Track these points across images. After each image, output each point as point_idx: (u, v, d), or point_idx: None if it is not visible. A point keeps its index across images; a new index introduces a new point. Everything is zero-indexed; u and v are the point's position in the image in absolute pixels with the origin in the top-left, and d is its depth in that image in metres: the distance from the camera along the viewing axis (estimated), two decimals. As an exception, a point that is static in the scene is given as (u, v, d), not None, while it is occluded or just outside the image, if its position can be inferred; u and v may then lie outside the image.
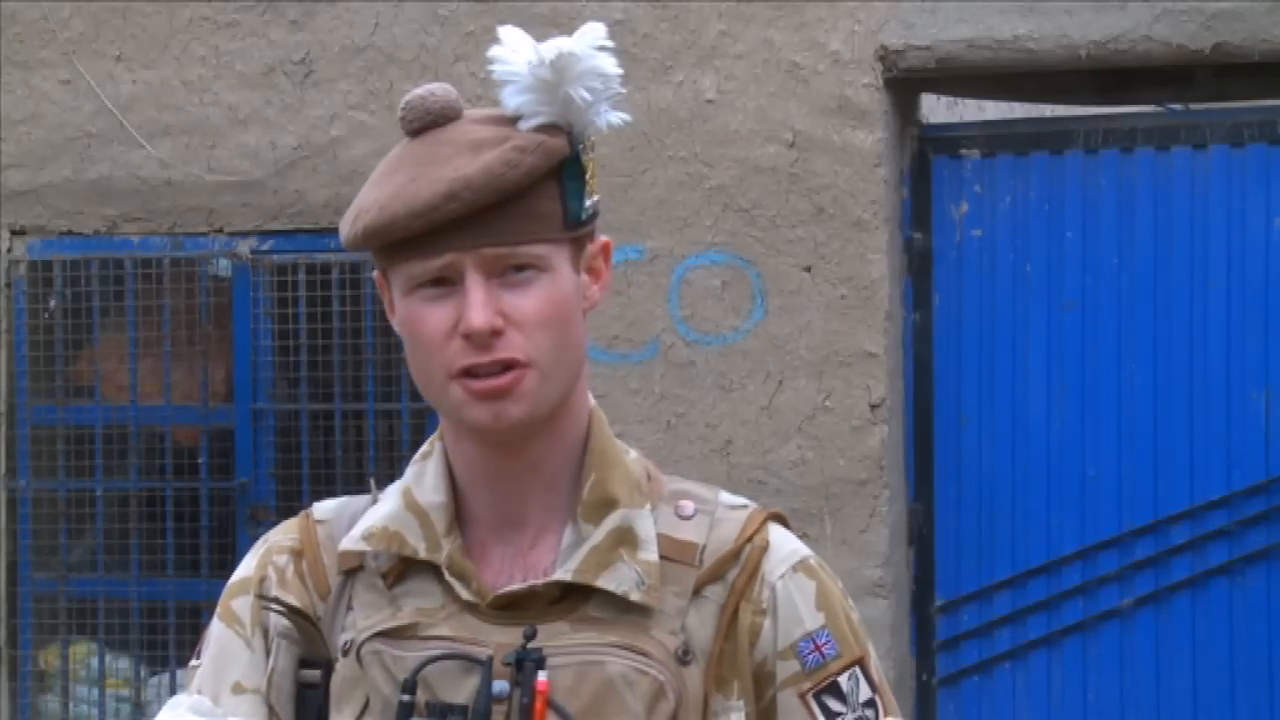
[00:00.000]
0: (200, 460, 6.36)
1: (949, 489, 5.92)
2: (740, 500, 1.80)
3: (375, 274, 1.77)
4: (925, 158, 5.95)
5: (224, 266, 6.36)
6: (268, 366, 6.28)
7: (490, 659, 1.67)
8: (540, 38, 1.71)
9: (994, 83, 6.08)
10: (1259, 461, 5.73)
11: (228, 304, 6.34)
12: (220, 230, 6.31)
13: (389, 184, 1.69)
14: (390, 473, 1.87)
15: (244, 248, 6.28)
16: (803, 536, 1.83)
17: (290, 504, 5.78)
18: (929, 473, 5.93)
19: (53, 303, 6.45)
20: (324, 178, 6.17)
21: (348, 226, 1.71)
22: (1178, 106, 6.81)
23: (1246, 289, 5.73)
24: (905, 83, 5.88)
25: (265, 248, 6.28)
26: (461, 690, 1.68)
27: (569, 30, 1.71)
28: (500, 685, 1.67)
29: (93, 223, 6.39)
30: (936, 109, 6.30)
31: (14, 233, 6.47)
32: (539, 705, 1.65)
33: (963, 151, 5.94)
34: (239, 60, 6.26)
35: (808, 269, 5.82)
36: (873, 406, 5.76)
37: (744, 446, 5.84)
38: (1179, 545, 5.78)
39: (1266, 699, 5.74)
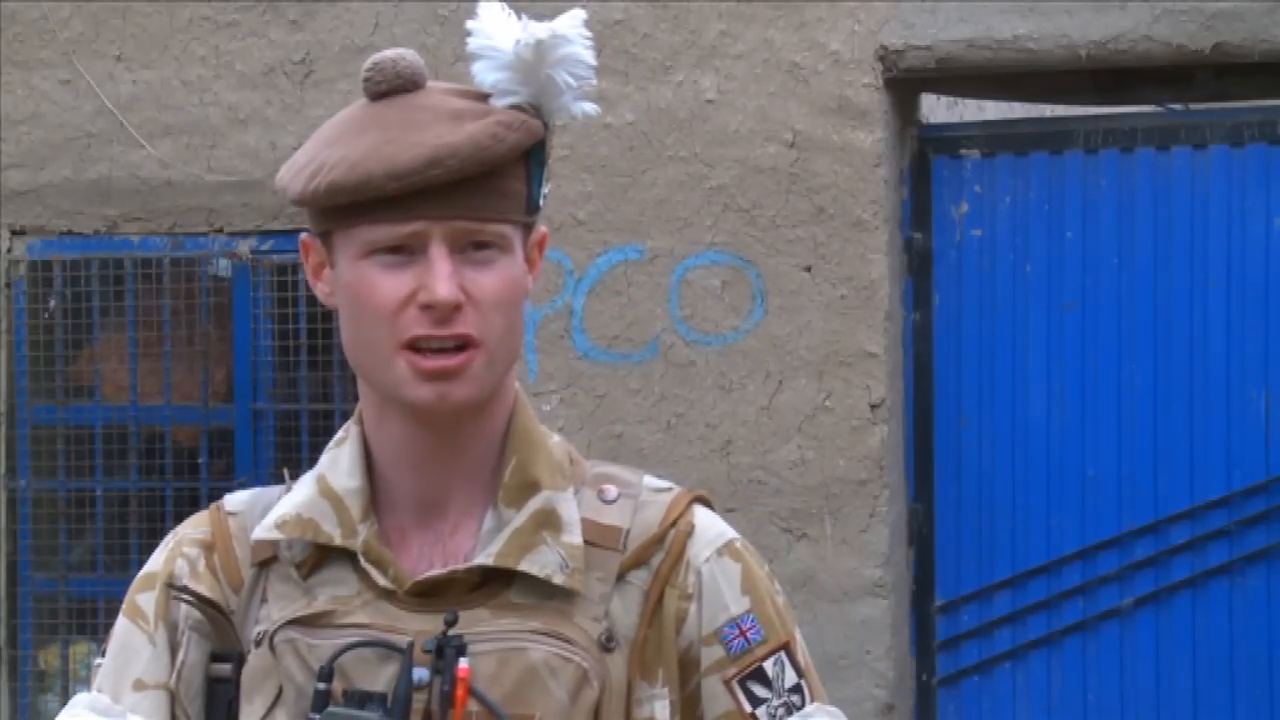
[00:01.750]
0: (200, 460, 6.36)
1: (949, 489, 5.92)
2: (664, 483, 1.76)
3: (304, 236, 1.72)
4: (925, 158, 5.95)
5: (224, 266, 6.36)
6: (268, 366, 6.28)
7: (410, 645, 1.64)
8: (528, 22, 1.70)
9: (994, 83, 6.08)
10: (1259, 461, 5.73)
11: (228, 304, 6.34)
12: (220, 230, 6.31)
13: (358, 143, 1.65)
14: (290, 470, 1.85)
15: (244, 248, 6.28)
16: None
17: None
18: (929, 473, 5.93)
19: (53, 303, 6.44)
20: (324, 178, 6.16)
21: (302, 181, 1.66)
22: (1178, 106, 6.81)
23: (1246, 289, 5.73)
24: (905, 83, 5.88)
25: (265, 248, 6.28)
26: (379, 678, 1.64)
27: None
28: (420, 673, 1.63)
29: (93, 223, 6.39)
30: (936, 109, 6.30)
31: (14, 233, 6.47)
32: (460, 692, 1.62)
33: (963, 151, 5.94)
34: (239, 60, 6.26)
35: (808, 269, 5.82)
36: (873, 406, 5.76)
37: (744, 446, 5.84)
38: (1179, 545, 5.78)
39: (1266, 699, 5.74)
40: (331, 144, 1.67)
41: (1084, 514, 5.83)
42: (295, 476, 1.78)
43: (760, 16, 5.84)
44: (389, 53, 1.71)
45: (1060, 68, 5.77)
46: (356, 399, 1.79)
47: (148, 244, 6.37)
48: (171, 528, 6.04)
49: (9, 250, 6.47)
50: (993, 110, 6.75)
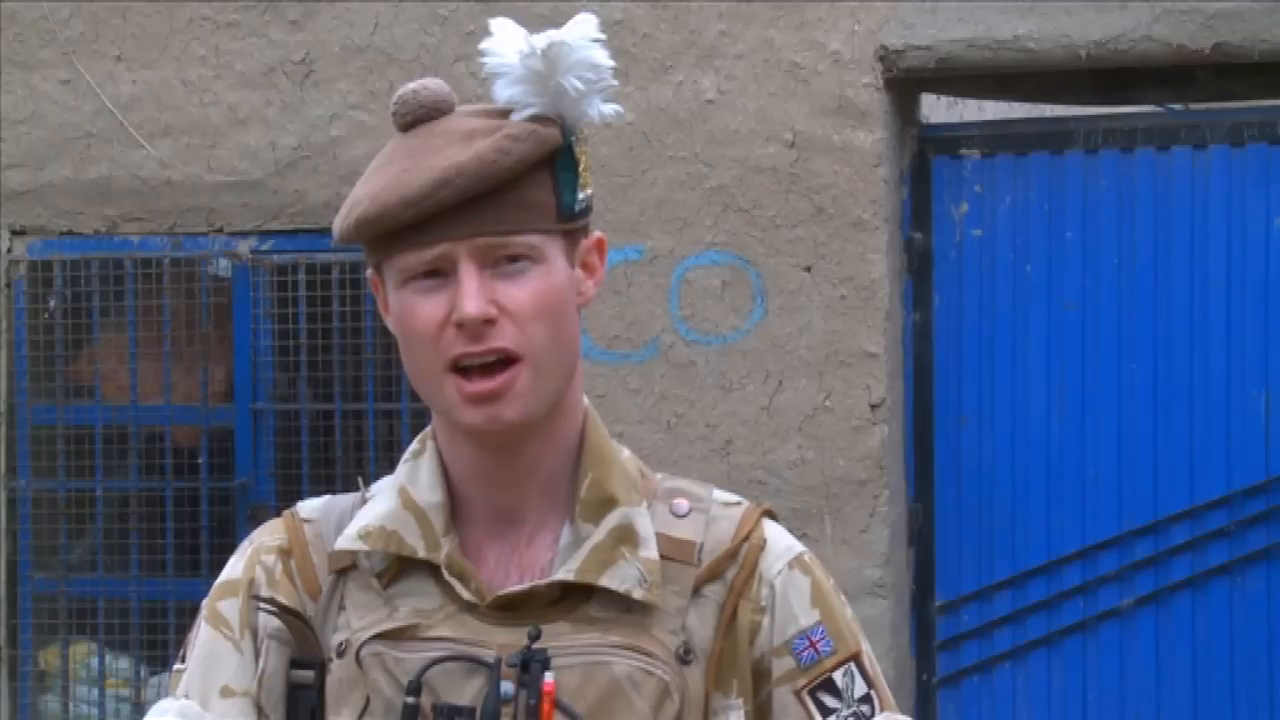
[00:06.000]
0: (200, 460, 6.36)
1: (949, 489, 5.92)
2: (733, 497, 1.79)
3: (368, 272, 1.76)
4: (925, 158, 5.95)
5: (224, 266, 6.36)
6: (268, 366, 6.28)
7: (499, 660, 1.66)
8: (536, 34, 1.71)
9: (994, 83, 6.08)
10: (1259, 461, 5.73)
11: (228, 304, 6.34)
12: (220, 230, 6.31)
13: (381, 176, 1.68)
14: (388, 473, 1.85)
15: (244, 248, 6.28)
16: (802, 536, 1.83)
17: (290, 504, 5.75)
18: (929, 473, 5.93)
19: (53, 303, 6.44)
20: (324, 178, 6.17)
21: (340, 220, 1.71)
22: (1178, 106, 6.81)
23: (1246, 289, 5.73)
24: (905, 83, 5.88)
25: (265, 248, 6.28)
26: (465, 692, 1.67)
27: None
28: (506, 686, 1.66)
29: (93, 223, 6.39)
30: (936, 109, 6.30)
31: (14, 233, 6.47)
32: (546, 706, 1.65)
33: (963, 151, 5.94)
34: (239, 60, 6.26)
35: (808, 269, 5.82)
36: (873, 406, 5.76)
37: (744, 446, 5.84)
38: (1179, 545, 5.78)
39: (1266, 699, 5.74)
40: (365, 181, 1.71)
41: (1084, 514, 5.83)
42: (367, 483, 1.80)
43: (760, 16, 5.84)
44: (412, 84, 1.73)
45: (1060, 68, 5.77)
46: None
47: (148, 244, 6.37)
48: (171, 527, 6.06)
49: (9, 250, 6.47)
50: (993, 110, 6.75)
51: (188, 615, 6.30)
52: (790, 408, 5.82)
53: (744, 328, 5.87)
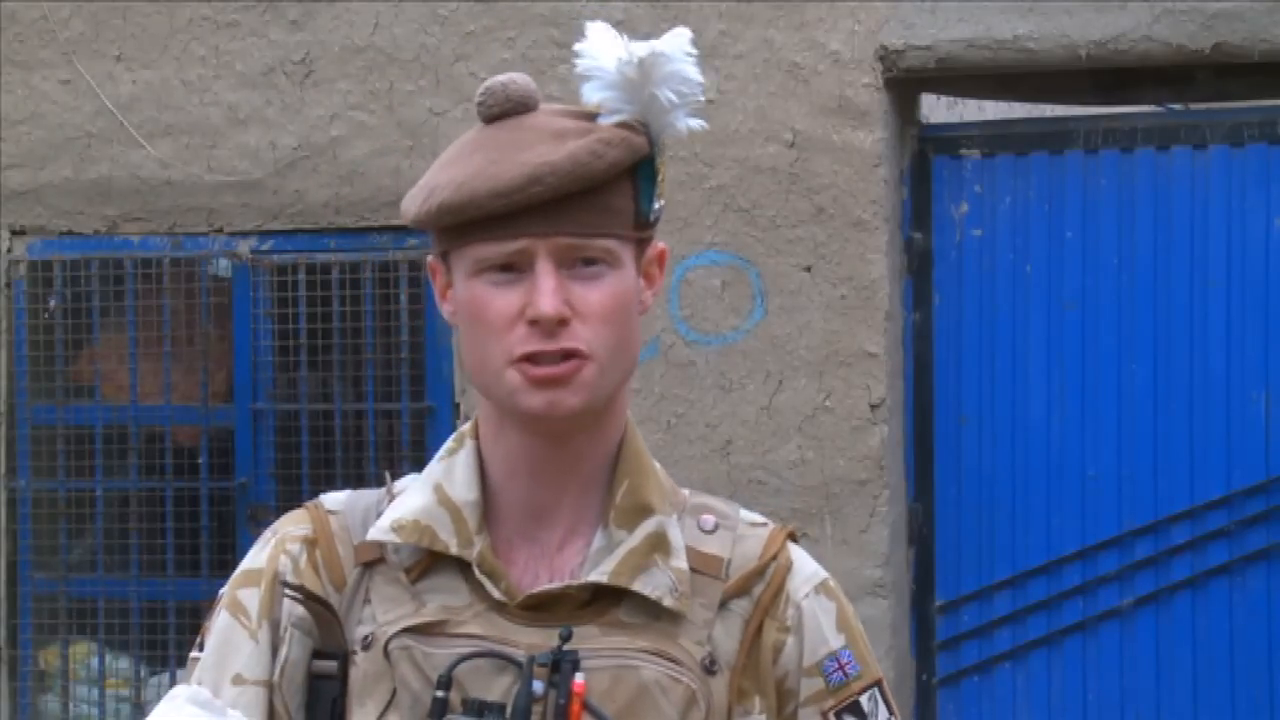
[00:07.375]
0: (200, 460, 6.36)
1: (949, 489, 5.92)
2: (759, 517, 1.82)
3: (430, 259, 1.77)
4: (925, 158, 5.95)
5: (224, 266, 6.36)
6: (268, 366, 6.28)
7: (531, 659, 1.67)
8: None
9: (994, 83, 6.08)
10: (1259, 461, 5.73)
11: (228, 304, 6.34)
12: (220, 230, 6.31)
13: (468, 164, 1.69)
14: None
15: (244, 248, 6.28)
16: (802, 536, 1.84)
17: (290, 504, 5.73)
18: (929, 473, 5.93)
19: (53, 303, 6.44)
20: (324, 178, 6.17)
21: (417, 204, 1.71)
22: (1178, 106, 6.82)
23: (1246, 289, 5.73)
24: (905, 83, 5.88)
25: (265, 248, 6.28)
26: (493, 689, 1.68)
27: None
28: (536, 685, 1.67)
29: (93, 223, 6.39)
30: (936, 109, 6.30)
31: (14, 233, 6.47)
32: (575, 707, 1.66)
33: (963, 151, 5.94)
34: (239, 60, 6.26)
35: (808, 269, 5.82)
36: (873, 406, 5.76)
37: (744, 446, 5.84)
38: (1179, 545, 5.79)
39: (1266, 699, 5.75)
40: (445, 167, 1.71)
41: (1084, 514, 5.83)
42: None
43: (760, 16, 5.84)
44: (500, 77, 1.74)
45: (1060, 68, 5.77)
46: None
47: (148, 244, 6.37)
48: (171, 527, 6.05)
49: (9, 250, 6.47)
50: (993, 110, 6.75)
51: (188, 615, 6.31)
52: (790, 408, 5.82)
53: (744, 328, 5.87)
